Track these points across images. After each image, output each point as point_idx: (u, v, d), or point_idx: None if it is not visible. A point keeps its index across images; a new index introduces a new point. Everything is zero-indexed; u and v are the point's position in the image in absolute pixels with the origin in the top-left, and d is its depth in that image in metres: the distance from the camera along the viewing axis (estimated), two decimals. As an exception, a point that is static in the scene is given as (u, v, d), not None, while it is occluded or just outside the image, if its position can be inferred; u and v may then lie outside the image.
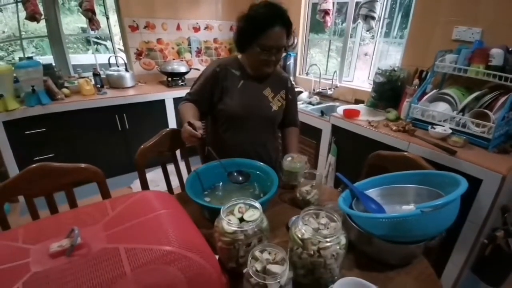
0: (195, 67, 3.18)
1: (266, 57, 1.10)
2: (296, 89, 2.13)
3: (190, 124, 1.00)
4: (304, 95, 2.73)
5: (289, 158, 1.12)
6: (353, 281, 0.62)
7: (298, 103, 1.95)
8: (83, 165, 0.99)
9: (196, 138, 0.98)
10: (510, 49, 1.51)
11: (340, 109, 2.06)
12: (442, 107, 1.68)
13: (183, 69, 2.89)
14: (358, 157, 1.30)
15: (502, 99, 1.48)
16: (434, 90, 1.77)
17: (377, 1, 2.12)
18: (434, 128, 1.60)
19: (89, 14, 2.45)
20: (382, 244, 0.72)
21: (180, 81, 2.87)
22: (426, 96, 1.76)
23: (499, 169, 1.28)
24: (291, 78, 2.34)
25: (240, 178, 1.02)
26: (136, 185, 2.59)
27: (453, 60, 1.66)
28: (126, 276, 0.49)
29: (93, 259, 0.51)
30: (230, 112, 1.18)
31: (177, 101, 2.72)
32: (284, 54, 1.14)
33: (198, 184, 1.00)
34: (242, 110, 1.18)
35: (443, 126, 1.61)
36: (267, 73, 1.19)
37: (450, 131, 1.55)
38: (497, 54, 1.51)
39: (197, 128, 0.99)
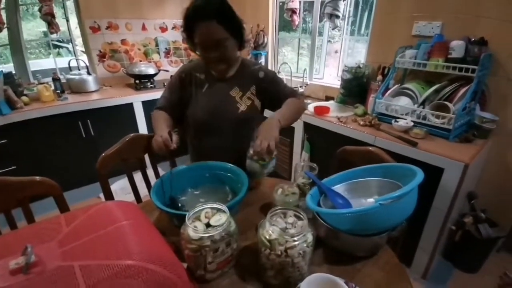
0: (164, 68, 3.09)
1: (206, 55, 1.05)
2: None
3: (169, 133, 0.98)
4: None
5: (280, 190, 0.93)
6: (320, 277, 0.62)
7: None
8: (38, 178, 0.93)
9: (168, 150, 0.96)
10: (472, 39, 1.53)
11: (311, 107, 2.10)
12: (403, 101, 1.76)
13: (151, 71, 2.80)
14: (330, 153, 1.32)
15: (463, 90, 1.54)
16: (396, 85, 1.85)
17: (341, 0, 2.18)
18: (397, 122, 1.67)
19: (48, 18, 2.33)
20: (348, 237, 0.74)
21: (149, 84, 2.78)
22: (389, 91, 1.83)
23: (461, 158, 1.34)
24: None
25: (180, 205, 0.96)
26: (107, 194, 2.48)
27: (412, 56, 1.72)
28: (82, 295, 0.47)
29: (48, 277, 0.49)
30: (195, 118, 1.15)
31: (146, 104, 2.63)
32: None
33: (168, 189, 0.97)
34: (207, 115, 1.13)
35: (406, 119, 1.68)
36: (221, 71, 1.12)
37: (412, 123, 1.63)
38: (457, 46, 1.54)
39: (173, 141, 0.97)
